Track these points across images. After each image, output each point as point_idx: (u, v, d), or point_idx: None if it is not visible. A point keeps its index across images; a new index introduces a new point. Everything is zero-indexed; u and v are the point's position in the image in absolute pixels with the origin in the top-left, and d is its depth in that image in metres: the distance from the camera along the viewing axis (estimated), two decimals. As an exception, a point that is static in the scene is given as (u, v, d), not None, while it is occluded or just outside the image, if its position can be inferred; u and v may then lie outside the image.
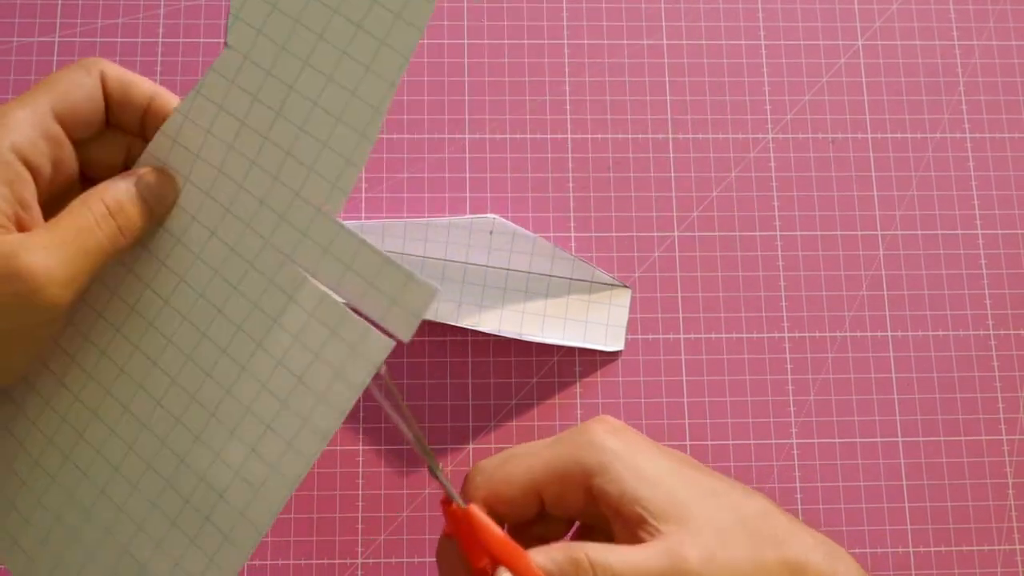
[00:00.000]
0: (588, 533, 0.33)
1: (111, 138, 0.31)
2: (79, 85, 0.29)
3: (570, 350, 0.47)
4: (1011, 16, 0.52)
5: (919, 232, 0.49)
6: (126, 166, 0.31)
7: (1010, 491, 0.46)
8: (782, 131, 0.50)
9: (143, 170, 0.29)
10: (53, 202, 0.29)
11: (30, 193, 0.28)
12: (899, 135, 0.50)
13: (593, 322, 0.47)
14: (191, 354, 0.29)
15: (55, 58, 0.49)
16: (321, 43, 0.28)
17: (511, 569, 0.27)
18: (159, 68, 0.49)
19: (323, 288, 0.28)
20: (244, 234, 0.29)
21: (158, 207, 0.29)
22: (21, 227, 0.27)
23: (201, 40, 0.49)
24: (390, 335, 0.28)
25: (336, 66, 0.28)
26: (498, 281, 0.46)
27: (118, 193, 0.28)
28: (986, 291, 0.48)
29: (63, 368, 0.31)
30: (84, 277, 0.27)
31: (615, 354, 0.47)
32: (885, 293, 0.48)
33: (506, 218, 0.47)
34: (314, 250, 0.28)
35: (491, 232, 0.46)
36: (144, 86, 0.30)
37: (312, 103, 0.28)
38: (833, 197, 0.49)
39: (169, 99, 0.31)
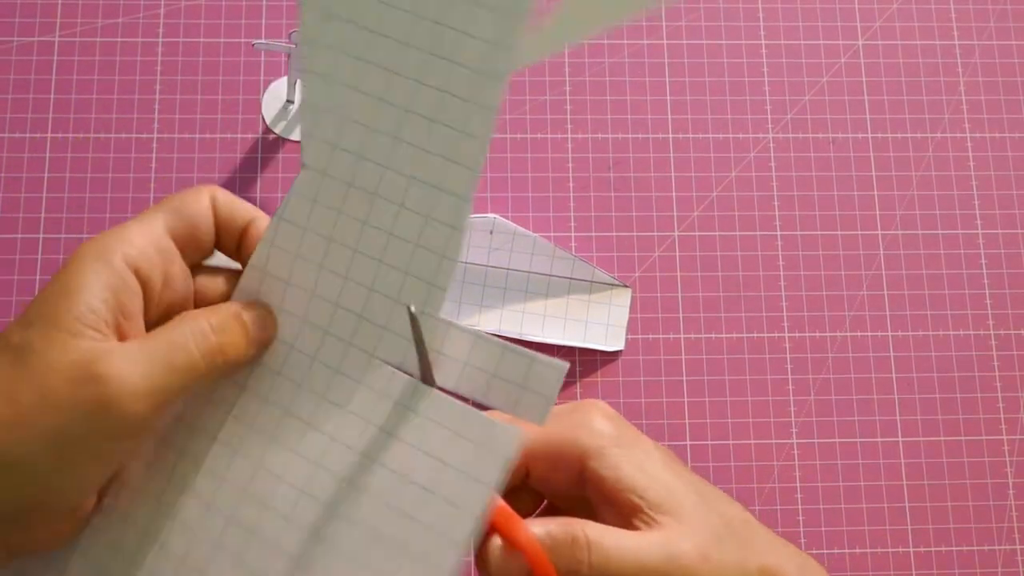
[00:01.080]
0: (557, 514, 0.33)
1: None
2: (191, 204, 0.29)
3: (570, 350, 0.47)
4: (1011, 16, 0.52)
5: (919, 232, 0.49)
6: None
7: (1010, 491, 0.46)
8: (782, 131, 0.50)
9: (248, 301, 0.29)
10: (163, 321, 0.29)
11: (135, 304, 0.27)
12: (899, 135, 0.50)
13: (593, 322, 0.46)
14: (307, 489, 0.28)
15: (55, 58, 0.49)
16: (399, 144, 0.27)
17: (504, 536, 0.27)
18: (159, 68, 0.49)
19: (438, 392, 0.27)
20: (347, 353, 0.28)
21: (260, 334, 0.29)
22: (121, 336, 0.27)
23: (201, 40, 0.49)
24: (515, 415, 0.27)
25: (417, 165, 0.27)
26: (498, 281, 0.46)
27: (223, 311, 0.28)
28: (986, 291, 0.48)
29: (151, 508, 0.29)
30: (168, 393, 0.26)
31: (615, 354, 0.47)
32: (885, 293, 0.48)
33: (506, 218, 0.47)
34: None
35: (491, 232, 0.46)
36: (245, 211, 0.30)
37: (398, 206, 0.28)
38: (833, 197, 0.49)
39: (264, 223, 0.30)
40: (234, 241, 0.30)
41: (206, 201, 0.29)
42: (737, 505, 0.30)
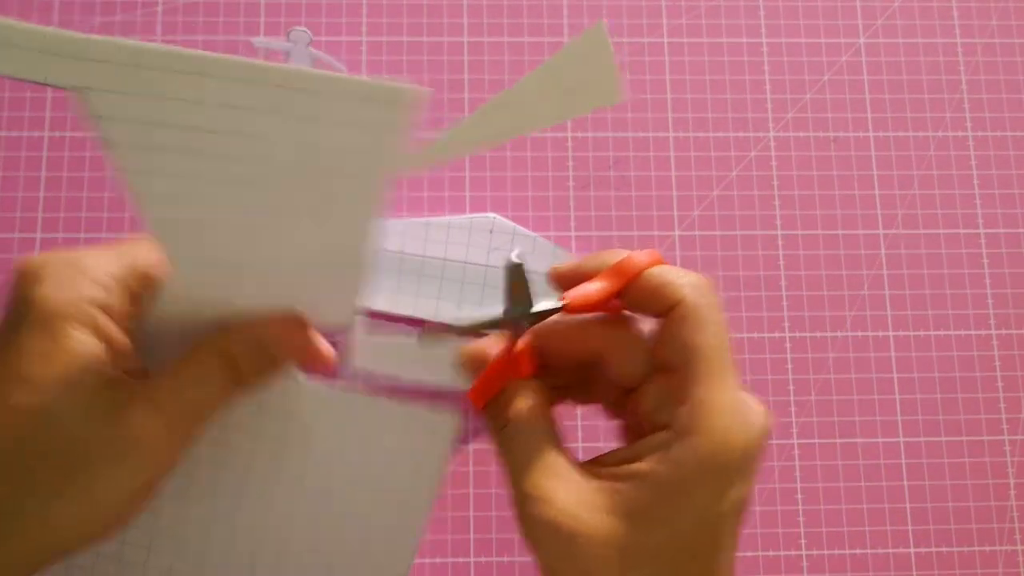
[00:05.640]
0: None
1: None
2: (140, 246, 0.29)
3: (570, 350, 0.46)
4: (1013, 14, 0.52)
5: (921, 231, 0.49)
6: None
7: (1012, 491, 0.46)
8: (783, 129, 0.50)
9: (262, 317, 0.29)
10: None
11: (111, 328, 0.28)
12: (901, 133, 0.50)
13: (593, 322, 0.46)
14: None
15: (52, 57, 0.48)
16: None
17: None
18: (157, 67, 0.49)
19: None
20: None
21: (279, 351, 0.29)
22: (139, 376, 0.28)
23: (199, 38, 0.49)
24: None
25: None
26: (498, 281, 0.46)
27: (236, 337, 0.28)
28: (988, 291, 0.48)
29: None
30: (186, 424, 0.27)
31: (615, 354, 0.47)
32: (887, 292, 0.48)
33: (506, 218, 0.47)
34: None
35: (491, 231, 0.46)
36: None
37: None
38: (835, 196, 0.49)
39: None
40: None
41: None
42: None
